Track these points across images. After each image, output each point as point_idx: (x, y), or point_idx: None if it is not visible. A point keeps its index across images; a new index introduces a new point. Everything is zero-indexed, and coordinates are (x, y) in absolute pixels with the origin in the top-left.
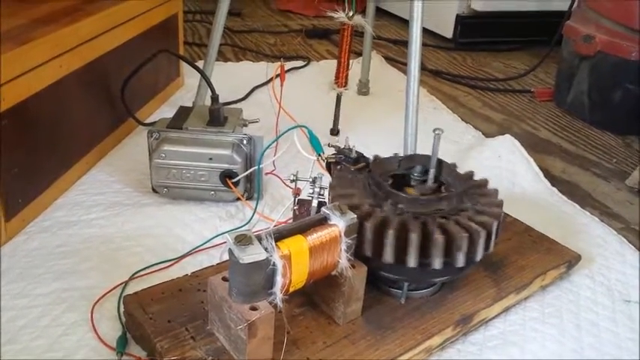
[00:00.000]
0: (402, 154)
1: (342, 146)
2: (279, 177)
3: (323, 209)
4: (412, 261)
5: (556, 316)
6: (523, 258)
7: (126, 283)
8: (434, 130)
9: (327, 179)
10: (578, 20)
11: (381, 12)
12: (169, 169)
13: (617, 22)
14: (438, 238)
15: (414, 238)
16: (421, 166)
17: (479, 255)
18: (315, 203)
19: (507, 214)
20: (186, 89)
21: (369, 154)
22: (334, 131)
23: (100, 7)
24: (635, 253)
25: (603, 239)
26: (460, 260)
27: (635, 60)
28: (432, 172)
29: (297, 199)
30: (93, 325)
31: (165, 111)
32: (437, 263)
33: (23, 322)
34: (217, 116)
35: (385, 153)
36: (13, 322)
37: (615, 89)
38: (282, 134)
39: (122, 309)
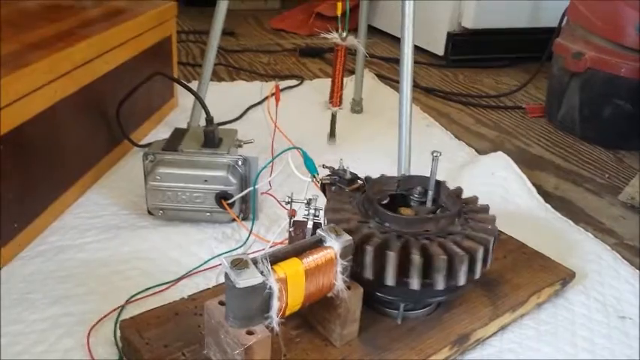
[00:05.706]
0: (390, 174)
1: (337, 167)
2: (274, 197)
3: (318, 231)
4: (390, 279)
5: (552, 334)
6: (518, 276)
7: (122, 307)
8: (432, 153)
9: (322, 200)
10: (568, 37)
11: (372, 30)
12: (165, 191)
13: (605, 39)
14: (416, 258)
15: (392, 256)
16: (420, 187)
17: (461, 279)
18: (310, 225)
19: (501, 232)
20: (181, 109)
21: (363, 173)
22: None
23: (93, 31)
24: (629, 269)
25: (597, 255)
26: (440, 283)
27: (625, 76)
28: (430, 193)
29: (292, 220)
30: (89, 351)
31: (160, 132)
32: (415, 284)
33: (19, 348)
34: (212, 138)
35: (379, 172)
36: (10, 349)
37: (605, 105)
38: (277, 156)
39: (118, 334)
